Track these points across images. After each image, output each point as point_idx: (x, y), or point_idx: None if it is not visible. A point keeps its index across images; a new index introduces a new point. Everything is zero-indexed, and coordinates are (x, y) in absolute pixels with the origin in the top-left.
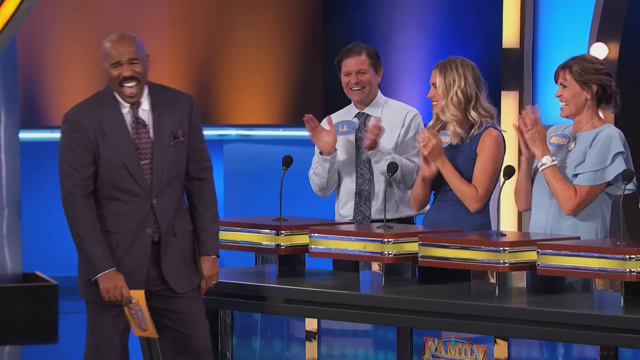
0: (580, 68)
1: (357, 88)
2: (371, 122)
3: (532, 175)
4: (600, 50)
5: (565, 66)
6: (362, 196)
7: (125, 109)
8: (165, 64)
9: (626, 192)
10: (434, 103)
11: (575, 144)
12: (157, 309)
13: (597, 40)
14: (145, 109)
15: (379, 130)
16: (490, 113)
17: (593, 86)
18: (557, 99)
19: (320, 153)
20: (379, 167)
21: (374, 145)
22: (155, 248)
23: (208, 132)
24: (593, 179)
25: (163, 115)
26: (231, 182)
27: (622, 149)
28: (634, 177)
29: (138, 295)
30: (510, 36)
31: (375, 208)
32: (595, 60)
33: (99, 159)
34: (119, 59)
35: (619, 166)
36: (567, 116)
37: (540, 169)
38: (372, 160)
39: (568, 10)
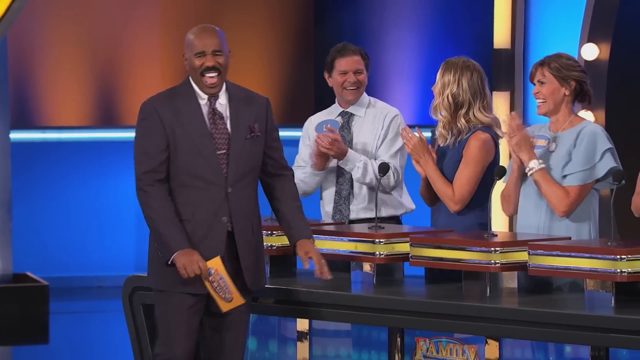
0: (559, 64)
1: (353, 88)
2: (322, 133)
3: (521, 181)
4: (591, 51)
5: (543, 63)
6: (342, 196)
7: (203, 101)
8: (156, 64)
9: (614, 187)
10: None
11: (556, 144)
12: (211, 312)
13: (588, 41)
14: (222, 103)
15: (336, 141)
16: (483, 122)
17: (572, 82)
18: None
19: (311, 166)
20: (353, 175)
21: (338, 155)
22: (229, 240)
23: None
24: (583, 178)
25: (240, 109)
26: None
27: (609, 145)
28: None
29: (215, 264)
30: (501, 37)
31: (354, 208)
32: (571, 57)
33: (174, 147)
34: (203, 50)
35: (609, 163)
36: (544, 113)
37: (529, 174)
38: (346, 168)
39: (559, 11)
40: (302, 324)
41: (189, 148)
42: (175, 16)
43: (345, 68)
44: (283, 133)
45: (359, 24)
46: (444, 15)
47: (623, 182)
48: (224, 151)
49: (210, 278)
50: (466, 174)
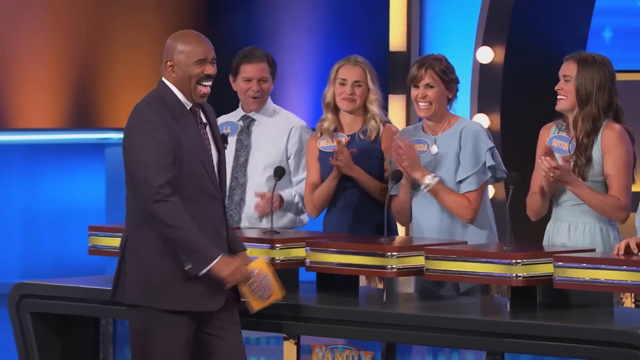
0: (444, 67)
1: (256, 97)
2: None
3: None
4: (486, 54)
5: (431, 66)
6: (234, 200)
7: (187, 108)
8: (44, 66)
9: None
10: (344, 98)
11: (438, 146)
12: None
13: (483, 44)
14: (200, 111)
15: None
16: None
17: (454, 86)
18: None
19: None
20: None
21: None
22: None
23: (89, 136)
24: (477, 181)
25: (211, 117)
26: (113, 188)
27: (490, 144)
28: (504, 177)
29: (258, 265)
30: (397, 39)
31: (245, 215)
32: (447, 59)
33: (180, 159)
34: (205, 57)
35: (489, 162)
36: (428, 116)
37: (427, 190)
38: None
39: (454, 14)
40: None
41: (194, 160)
42: (64, 16)
43: (249, 75)
44: None
45: (253, 25)
46: (339, 18)
47: (504, 174)
48: (215, 162)
49: (250, 281)
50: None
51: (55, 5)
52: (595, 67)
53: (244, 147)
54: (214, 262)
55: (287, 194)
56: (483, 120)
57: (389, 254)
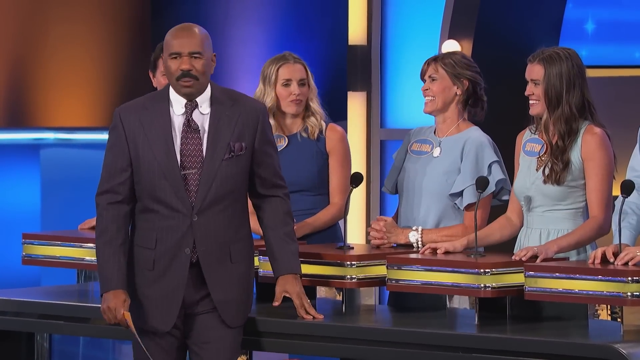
0: (453, 61)
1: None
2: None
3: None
4: (452, 48)
5: (436, 59)
6: None
7: (180, 110)
8: None
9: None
10: (292, 100)
11: (440, 149)
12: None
13: (449, 37)
14: (203, 113)
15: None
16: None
17: (464, 81)
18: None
19: None
20: None
21: None
22: (195, 270)
23: (22, 136)
24: (477, 194)
25: (222, 123)
26: (49, 191)
27: (494, 158)
28: (488, 185)
29: (128, 317)
30: (356, 32)
31: None
32: (466, 56)
33: (137, 165)
34: (179, 50)
35: (496, 175)
36: (431, 111)
37: (417, 247)
38: None
39: (418, 5)
40: None
41: (152, 167)
42: None
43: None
44: None
45: (202, 18)
46: (294, 9)
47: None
48: (195, 171)
49: (130, 330)
50: (347, 173)
51: None
52: (562, 64)
53: None
54: (103, 293)
55: None
56: None
57: (347, 262)
